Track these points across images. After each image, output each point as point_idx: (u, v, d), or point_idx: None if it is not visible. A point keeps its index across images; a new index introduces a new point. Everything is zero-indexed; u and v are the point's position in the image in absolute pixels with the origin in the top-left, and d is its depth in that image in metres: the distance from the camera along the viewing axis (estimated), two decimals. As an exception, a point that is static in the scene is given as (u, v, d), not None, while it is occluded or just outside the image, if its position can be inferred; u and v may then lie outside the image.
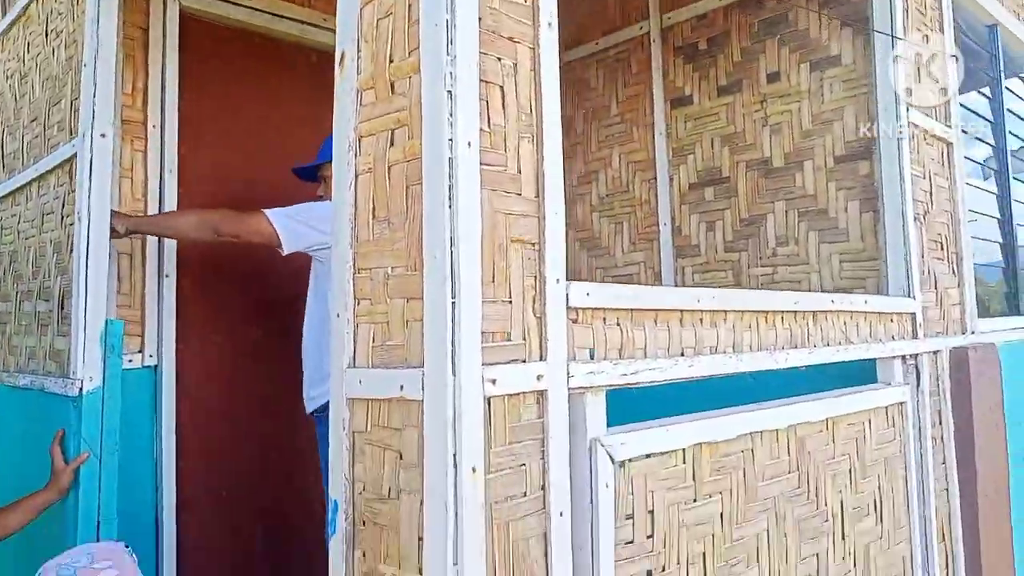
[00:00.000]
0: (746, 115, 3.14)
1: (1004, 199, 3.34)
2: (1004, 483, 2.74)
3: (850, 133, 2.80)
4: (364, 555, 1.38)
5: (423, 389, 1.26)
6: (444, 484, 1.20)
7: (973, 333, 2.80)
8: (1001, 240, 3.32)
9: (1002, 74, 3.48)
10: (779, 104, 3.03)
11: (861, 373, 2.42)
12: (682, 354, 1.64)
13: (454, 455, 1.20)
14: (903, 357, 2.42)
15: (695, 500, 1.62)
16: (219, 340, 2.86)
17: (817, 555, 1.96)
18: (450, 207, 1.25)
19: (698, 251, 3.28)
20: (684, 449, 1.61)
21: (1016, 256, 3.33)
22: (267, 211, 2.31)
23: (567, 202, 3.86)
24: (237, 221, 2.34)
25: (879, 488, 2.22)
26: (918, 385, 2.44)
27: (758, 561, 1.77)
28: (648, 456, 1.53)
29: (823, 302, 2.07)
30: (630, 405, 1.82)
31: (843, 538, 2.05)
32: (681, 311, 1.65)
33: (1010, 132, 3.39)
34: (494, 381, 1.26)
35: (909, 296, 2.46)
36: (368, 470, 1.38)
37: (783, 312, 1.93)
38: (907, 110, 2.55)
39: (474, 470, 1.22)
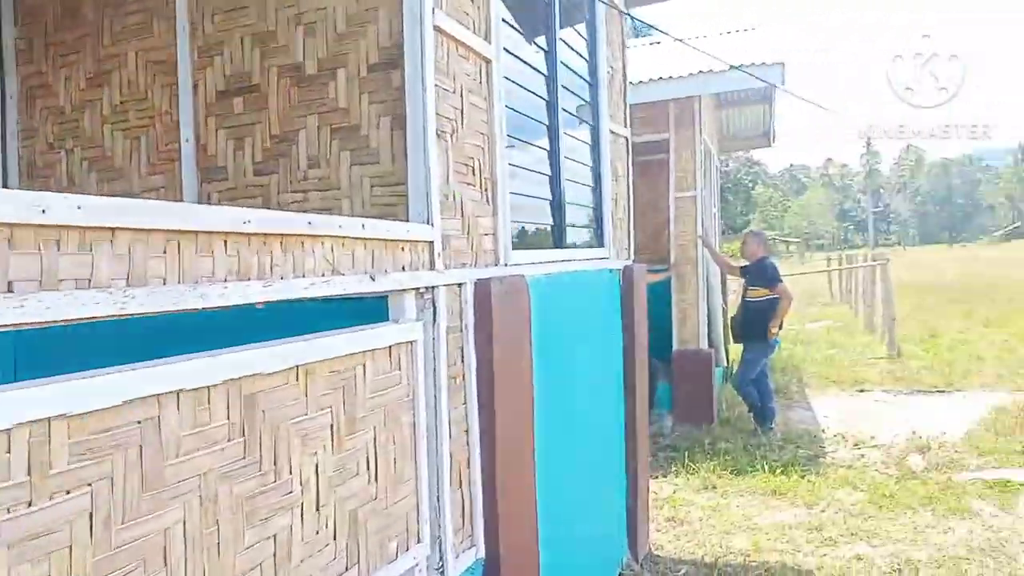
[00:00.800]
0: (279, 10, 2.65)
1: (553, 130, 3.33)
2: (529, 422, 2.71)
3: (384, 37, 2.46)
4: None
5: None
6: None
7: (507, 265, 2.69)
8: (549, 172, 3.32)
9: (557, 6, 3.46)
10: (314, -1, 2.59)
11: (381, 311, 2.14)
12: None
13: None
14: (418, 290, 2.17)
15: (30, 504, 1.11)
16: None
17: (275, 537, 1.59)
18: None
19: (225, 174, 2.75)
20: (7, 431, 1.08)
21: (562, 189, 3.36)
22: None
23: (73, 108, 3.10)
24: None
25: (374, 441, 1.93)
26: (435, 321, 2.22)
27: (167, 564, 1.33)
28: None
29: (295, 224, 1.67)
30: None
31: (318, 509, 1.72)
32: (11, 226, 1.11)
33: (563, 63, 3.39)
34: None
35: (428, 223, 2.21)
36: None
37: (226, 234, 1.49)
38: (433, 13, 2.26)
39: None
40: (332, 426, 1.78)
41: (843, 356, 11.89)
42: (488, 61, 2.63)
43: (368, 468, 1.92)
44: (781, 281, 7.25)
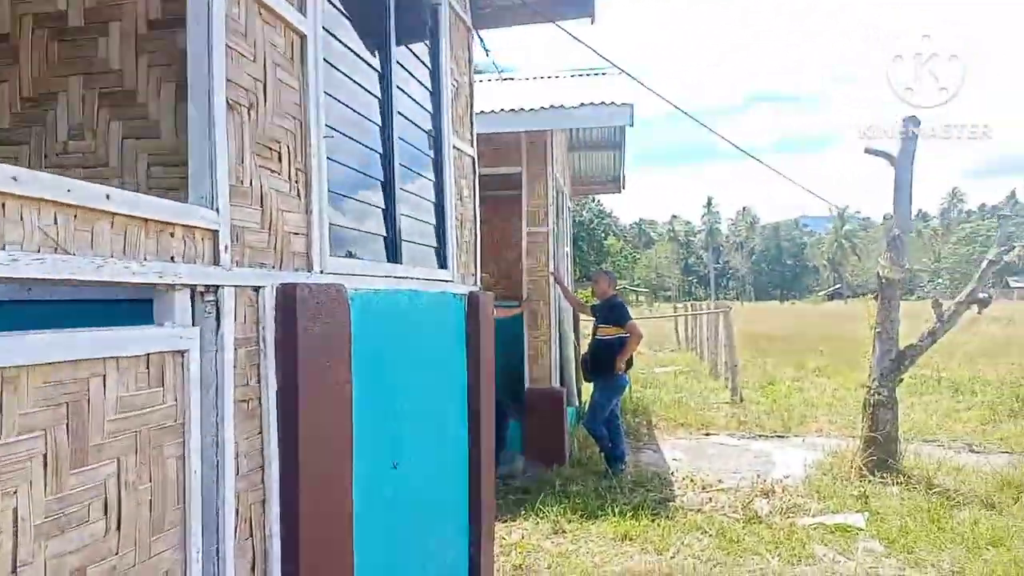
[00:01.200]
0: (41, -47, 2.17)
1: (386, 131, 2.99)
2: (346, 458, 2.29)
3: (169, -8, 2.04)
4: None
5: None
6: None
7: (322, 272, 2.30)
8: (382, 178, 2.97)
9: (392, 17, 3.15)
10: (85, -56, 2.14)
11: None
12: None
13: None
14: (195, 289, 1.73)
15: None
16: None
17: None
18: None
19: (-36, 145, 2.20)
20: None
21: (395, 197, 3.02)
22: None
23: None
24: None
25: (118, 477, 1.47)
26: (218, 329, 1.78)
27: None
28: None
29: (-8, 175, 1.21)
30: None
31: (15, 569, 1.24)
32: None
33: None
34: None
35: (211, 207, 1.79)
36: None
37: None
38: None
39: None
40: (46, 456, 1.30)
41: (690, 400, 12.14)
42: (303, 36, 2.26)
43: (106, 513, 1.44)
44: (631, 319, 7.22)
